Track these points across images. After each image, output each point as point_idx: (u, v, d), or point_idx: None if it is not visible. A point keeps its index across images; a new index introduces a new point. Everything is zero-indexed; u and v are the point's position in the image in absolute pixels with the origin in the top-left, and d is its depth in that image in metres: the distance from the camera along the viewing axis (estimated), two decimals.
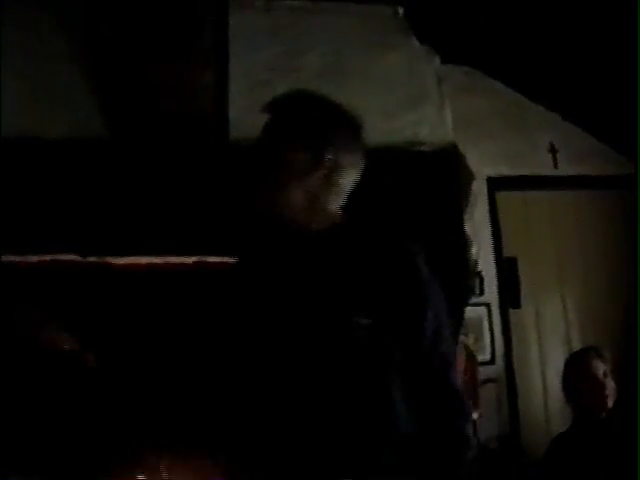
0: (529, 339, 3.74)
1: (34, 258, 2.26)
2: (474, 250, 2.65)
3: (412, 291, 1.65)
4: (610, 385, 2.70)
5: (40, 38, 2.45)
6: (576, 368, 2.78)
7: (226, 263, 2.06)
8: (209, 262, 2.26)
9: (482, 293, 3.53)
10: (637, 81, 2.92)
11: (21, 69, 2.42)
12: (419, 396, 1.64)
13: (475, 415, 3.53)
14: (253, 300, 1.68)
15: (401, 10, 2.71)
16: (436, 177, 2.58)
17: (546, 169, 3.82)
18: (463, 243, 2.61)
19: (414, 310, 1.64)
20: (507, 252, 3.72)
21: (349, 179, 1.72)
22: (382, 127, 2.55)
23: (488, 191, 3.70)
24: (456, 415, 1.68)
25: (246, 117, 2.38)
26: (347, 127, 1.78)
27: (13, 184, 2.28)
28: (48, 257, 2.23)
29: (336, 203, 1.72)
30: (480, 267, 2.97)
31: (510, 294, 3.70)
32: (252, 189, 1.72)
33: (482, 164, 3.11)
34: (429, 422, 1.64)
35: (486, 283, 3.55)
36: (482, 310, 3.58)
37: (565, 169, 3.85)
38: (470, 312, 2.82)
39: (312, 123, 1.74)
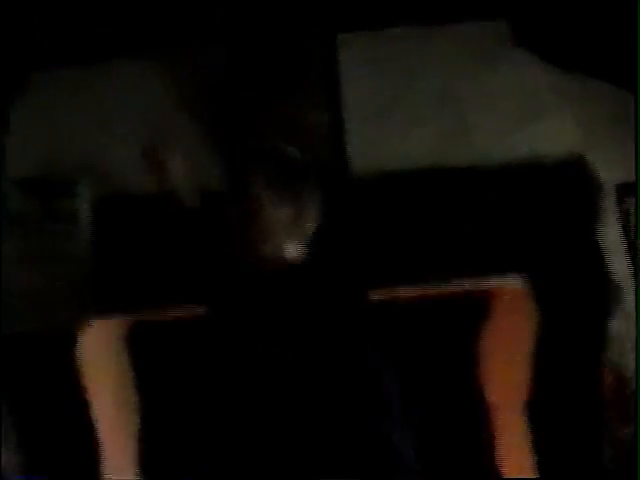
0: None
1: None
2: (610, 261, 2.56)
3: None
4: None
5: (151, 89, 2.53)
6: None
7: None
8: None
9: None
10: None
11: (136, 122, 2.50)
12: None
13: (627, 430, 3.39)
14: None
15: (507, 23, 2.67)
16: (563, 189, 2.53)
17: None
18: (598, 255, 2.52)
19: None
20: None
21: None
22: (502, 144, 2.52)
23: (617, 198, 3.57)
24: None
25: (365, 150, 2.43)
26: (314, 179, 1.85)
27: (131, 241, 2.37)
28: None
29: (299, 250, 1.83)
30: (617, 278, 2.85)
31: None
32: (231, 237, 1.84)
33: (608, 171, 3.00)
34: None
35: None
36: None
37: None
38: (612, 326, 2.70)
39: (294, 177, 1.83)
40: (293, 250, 1.83)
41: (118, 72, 2.53)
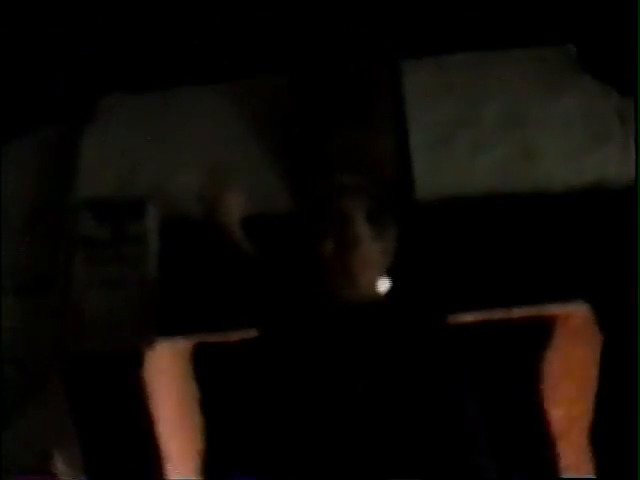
0: None
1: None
2: None
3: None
4: None
5: (219, 115, 2.57)
6: None
7: None
8: None
9: None
10: None
11: (203, 145, 2.54)
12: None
13: None
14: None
15: (572, 49, 2.66)
16: (629, 215, 2.48)
17: None
18: None
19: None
20: None
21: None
22: (566, 170, 2.50)
23: None
24: None
25: (431, 176, 2.44)
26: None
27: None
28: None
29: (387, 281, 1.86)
30: None
31: None
32: (318, 272, 1.83)
33: None
34: None
35: None
36: None
37: None
38: None
39: (381, 212, 1.85)
40: (383, 282, 1.84)
41: (187, 98, 2.58)
